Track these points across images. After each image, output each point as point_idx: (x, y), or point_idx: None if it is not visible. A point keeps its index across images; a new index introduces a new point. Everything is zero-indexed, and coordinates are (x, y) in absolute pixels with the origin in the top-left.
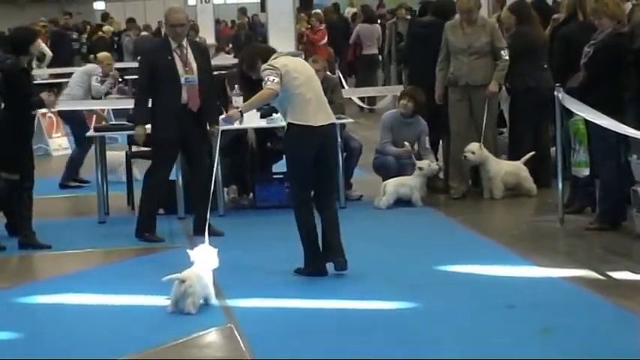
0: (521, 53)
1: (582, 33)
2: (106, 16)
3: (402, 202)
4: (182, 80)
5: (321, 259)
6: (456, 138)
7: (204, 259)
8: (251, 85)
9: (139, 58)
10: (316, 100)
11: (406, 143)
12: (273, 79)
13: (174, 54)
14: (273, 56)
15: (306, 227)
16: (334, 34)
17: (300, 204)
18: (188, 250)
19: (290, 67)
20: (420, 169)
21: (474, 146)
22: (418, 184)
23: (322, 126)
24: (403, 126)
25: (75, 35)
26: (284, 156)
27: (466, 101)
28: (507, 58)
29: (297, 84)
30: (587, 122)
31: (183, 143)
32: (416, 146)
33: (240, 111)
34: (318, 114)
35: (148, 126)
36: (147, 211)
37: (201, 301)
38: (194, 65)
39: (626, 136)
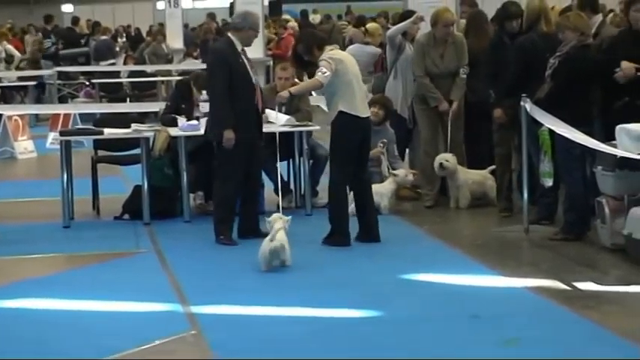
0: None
1: (542, 43)
2: (76, 20)
3: None
4: (254, 81)
5: (348, 233)
6: (427, 146)
7: (281, 225)
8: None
9: (211, 61)
10: (361, 94)
11: (380, 145)
12: (325, 72)
13: (242, 56)
14: (329, 48)
15: (343, 204)
16: None
17: (340, 184)
18: (266, 218)
19: (345, 61)
20: (395, 176)
21: (447, 155)
22: (389, 192)
23: (366, 117)
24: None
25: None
26: (327, 141)
27: (436, 110)
28: (465, 76)
29: (349, 77)
30: (552, 133)
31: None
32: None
33: (290, 92)
34: (363, 106)
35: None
36: (224, 214)
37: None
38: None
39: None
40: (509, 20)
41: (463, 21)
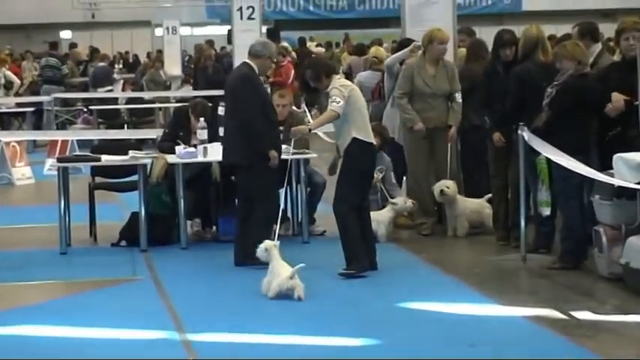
0: (465, 91)
1: (538, 72)
2: (74, 46)
3: None
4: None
5: (365, 257)
6: (419, 176)
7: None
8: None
9: (241, 85)
10: (368, 122)
11: (377, 172)
12: (339, 102)
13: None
14: (337, 77)
15: (355, 231)
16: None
17: (351, 210)
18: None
19: (355, 89)
20: (394, 204)
21: (448, 182)
22: (387, 220)
23: (375, 144)
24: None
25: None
26: (340, 168)
27: (428, 140)
28: (460, 101)
29: (360, 104)
30: (550, 162)
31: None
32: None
33: (310, 128)
34: (372, 134)
35: None
36: (267, 235)
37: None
38: None
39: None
40: (503, 48)
41: (462, 50)
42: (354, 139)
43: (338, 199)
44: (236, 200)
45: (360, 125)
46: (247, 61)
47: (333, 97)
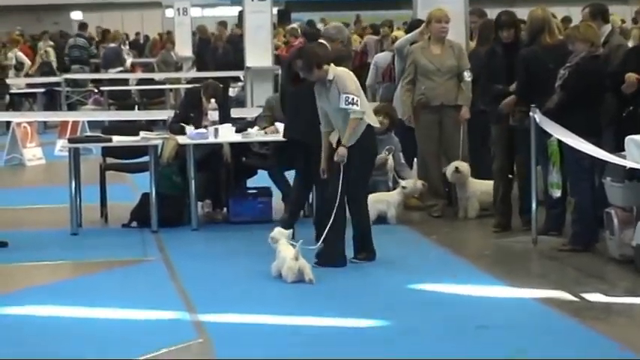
0: (475, 74)
1: (545, 55)
2: (84, 26)
3: (377, 218)
4: None
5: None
6: (429, 158)
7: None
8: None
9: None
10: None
11: (385, 152)
12: (355, 99)
13: None
14: (327, 67)
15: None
16: None
17: (366, 198)
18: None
19: (354, 76)
20: (404, 187)
21: (458, 162)
22: (397, 202)
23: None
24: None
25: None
26: (351, 161)
27: (437, 122)
28: (469, 80)
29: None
30: (560, 143)
31: None
32: (390, 160)
33: (344, 145)
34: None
35: None
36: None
37: None
38: None
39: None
40: (500, 29)
41: None
42: (368, 125)
43: (358, 186)
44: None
45: (368, 112)
46: (323, 41)
47: (351, 99)
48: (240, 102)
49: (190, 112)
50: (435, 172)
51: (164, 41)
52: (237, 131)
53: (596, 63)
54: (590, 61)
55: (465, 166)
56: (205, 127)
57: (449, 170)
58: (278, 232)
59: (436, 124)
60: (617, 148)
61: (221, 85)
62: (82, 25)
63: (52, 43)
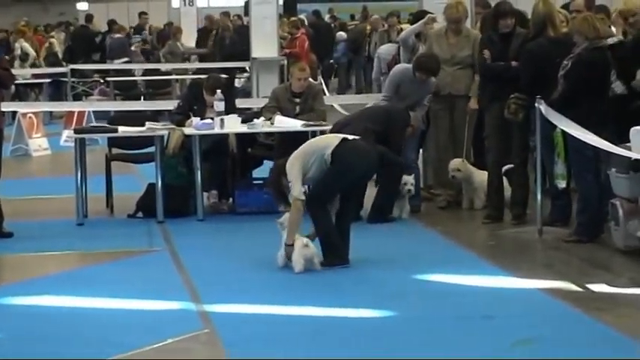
0: None
1: (552, 48)
2: (90, 17)
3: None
4: None
5: None
6: (439, 148)
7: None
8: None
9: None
10: None
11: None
12: None
13: None
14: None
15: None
16: (320, 39)
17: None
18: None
19: None
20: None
21: (458, 163)
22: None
23: None
24: (413, 84)
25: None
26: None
27: (447, 111)
28: None
29: None
30: (565, 134)
31: None
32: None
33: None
34: None
35: None
36: None
37: None
38: None
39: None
40: (501, 18)
41: None
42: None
43: (317, 189)
44: (252, 172)
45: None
46: None
47: None
48: (247, 93)
49: (194, 104)
50: (444, 161)
51: (173, 31)
52: (243, 122)
53: (598, 54)
54: (591, 52)
55: (464, 165)
56: (210, 119)
57: (450, 173)
58: (286, 218)
59: (446, 114)
60: (623, 140)
61: (225, 76)
62: (89, 17)
63: (62, 34)
